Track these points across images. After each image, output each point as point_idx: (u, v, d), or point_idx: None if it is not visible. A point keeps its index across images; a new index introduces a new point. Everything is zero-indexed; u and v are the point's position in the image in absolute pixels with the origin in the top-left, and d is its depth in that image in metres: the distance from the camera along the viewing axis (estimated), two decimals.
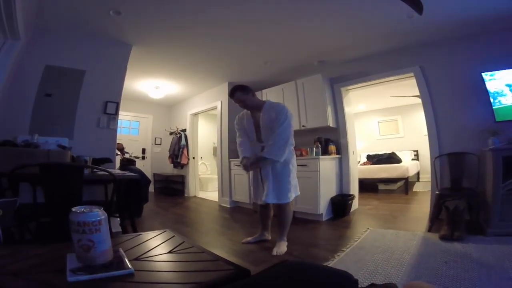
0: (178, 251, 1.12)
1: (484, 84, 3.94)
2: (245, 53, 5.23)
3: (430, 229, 3.86)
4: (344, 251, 3.23)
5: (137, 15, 3.79)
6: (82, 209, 0.93)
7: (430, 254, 3.03)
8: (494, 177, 3.52)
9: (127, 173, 3.25)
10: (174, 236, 1.30)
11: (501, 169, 3.48)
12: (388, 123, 10.44)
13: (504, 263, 2.65)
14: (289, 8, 3.67)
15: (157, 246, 1.17)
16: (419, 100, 4.91)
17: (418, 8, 2.66)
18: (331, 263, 2.89)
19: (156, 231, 1.35)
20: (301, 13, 3.80)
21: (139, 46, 4.68)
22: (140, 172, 4.60)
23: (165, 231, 1.36)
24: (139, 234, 1.32)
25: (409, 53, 4.88)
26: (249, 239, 3.71)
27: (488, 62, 4.08)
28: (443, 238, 3.43)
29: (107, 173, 2.46)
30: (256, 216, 4.10)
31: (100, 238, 0.92)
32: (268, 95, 6.28)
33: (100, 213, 0.93)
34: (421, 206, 5.48)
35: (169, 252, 1.12)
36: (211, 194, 8.30)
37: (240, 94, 3.44)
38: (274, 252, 3.25)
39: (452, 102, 4.45)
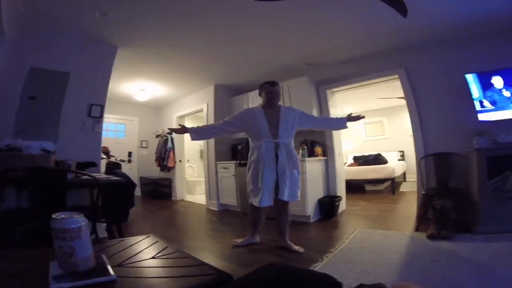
0: (161, 257, 1.11)
1: (468, 86, 4.01)
2: (232, 56, 5.22)
3: (417, 229, 3.90)
4: (333, 252, 3.23)
5: (124, 17, 3.74)
6: (63, 216, 0.91)
7: (418, 253, 3.05)
8: (479, 176, 3.59)
9: (112, 177, 3.21)
10: (158, 241, 1.28)
11: (486, 169, 3.54)
12: (374, 124, 10.52)
13: (492, 261, 2.70)
14: (276, 14, 3.67)
15: (140, 251, 1.16)
16: (404, 102, 4.96)
17: (403, 11, 2.69)
18: (319, 265, 2.89)
19: (140, 236, 1.33)
20: (287, 18, 3.82)
21: (125, 48, 4.63)
22: (125, 176, 4.55)
23: (149, 236, 1.35)
24: (123, 240, 1.31)
25: (394, 55, 4.93)
26: (239, 241, 3.67)
27: (471, 64, 4.14)
28: (431, 237, 3.47)
29: (91, 178, 2.43)
30: (245, 218, 4.08)
31: (81, 244, 0.90)
32: (254, 98, 6.27)
33: (80, 220, 0.91)
34: (408, 206, 5.53)
35: (152, 257, 1.10)
36: (199, 197, 8.25)
37: (279, 88, 3.62)
38: (300, 250, 3.34)
39: (437, 103, 4.53)
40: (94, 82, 4.41)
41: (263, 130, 3.42)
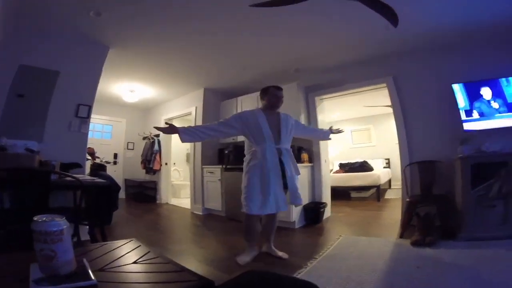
0: (143, 262, 1.10)
1: (454, 95, 4.08)
2: (222, 61, 5.25)
3: (402, 235, 3.95)
4: (317, 258, 3.24)
5: (118, 18, 3.71)
6: (44, 218, 0.90)
7: (403, 259, 3.09)
8: (463, 184, 3.67)
9: (96, 179, 3.17)
10: (140, 245, 1.27)
11: (470, 177, 3.63)
12: (361, 132, 10.62)
13: (475, 266, 2.74)
14: (268, 18, 3.68)
15: (122, 256, 1.15)
16: (391, 110, 5.02)
17: (394, 20, 2.73)
18: (304, 271, 2.90)
19: (122, 240, 1.32)
20: (279, 22, 3.83)
21: (117, 48, 4.58)
22: (109, 178, 4.51)
23: (132, 240, 1.33)
24: (105, 244, 1.29)
25: (382, 64, 5.00)
26: (246, 259, 3.27)
27: (459, 73, 4.23)
28: (415, 243, 3.51)
29: (74, 179, 2.40)
30: (229, 223, 4.06)
31: (63, 248, 0.89)
32: (243, 102, 6.29)
33: (62, 223, 0.90)
34: (393, 213, 5.57)
35: (134, 262, 1.09)
36: (184, 201, 8.17)
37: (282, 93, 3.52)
38: (285, 256, 3.36)
39: (423, 111, 4.60)
40: (83, 82, 4.36)
41: (266, 133, 3.27)
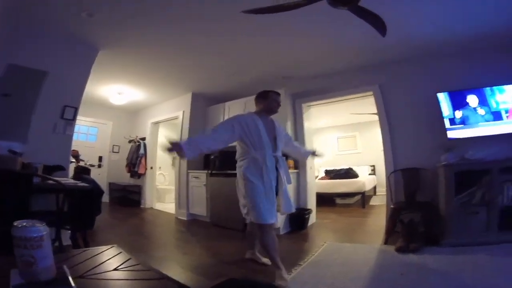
0: (123, 269, 1.09)
1: (439, 104, 4.15)
2: (211, 65, 5.25)
3: (386, 242, 3.99)
4: (302, 265, 3.26)
5: (110, 19, 3.68)
6: (24, 223, 0.88)
7: (387, 266, 3.12)
8: (447, 191, 3.74)
9: (79, 183, 3.13)
10: (121, 252, 1.26)
11: (453, 184, 3.69)
12: (347, 139, 10.73)
13: (459, 272, 2.79)
14: (259, 24, 3.69)
15: (103, 263, 1.13)
16: (377, 117, 5.08)
17: (382, 30, 2.76)
18: (288, 277, 2.89)
19: (103, 246, 1.31)
20: (268, 29, 3.88)
21: (106, 50, 4.54)
22: (93, 182, 4.44)
23: (113, 246, 1.32)
24: (86, 250, 1.27)
25: (369, 72, 5.07)
26: (286, 276, 2.89)
27: (445, 82, 4.33)
28: (399, 250, 3.55)
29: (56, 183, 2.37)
30: (213, 228, 4.02)
31: (42, 254, 0.88)
32: (231, 108, 6.28)
33: (42, 228, 0.89)
34: (378, 219, 5.62)
35: (115, 269, 1.08)
36: (168, 205, 8.09)
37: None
38: (269, 262, 3.11)
39: (408, 119, 4.67)
40: (71, 83, 4.30)
41: (265, 140, 3.07)
